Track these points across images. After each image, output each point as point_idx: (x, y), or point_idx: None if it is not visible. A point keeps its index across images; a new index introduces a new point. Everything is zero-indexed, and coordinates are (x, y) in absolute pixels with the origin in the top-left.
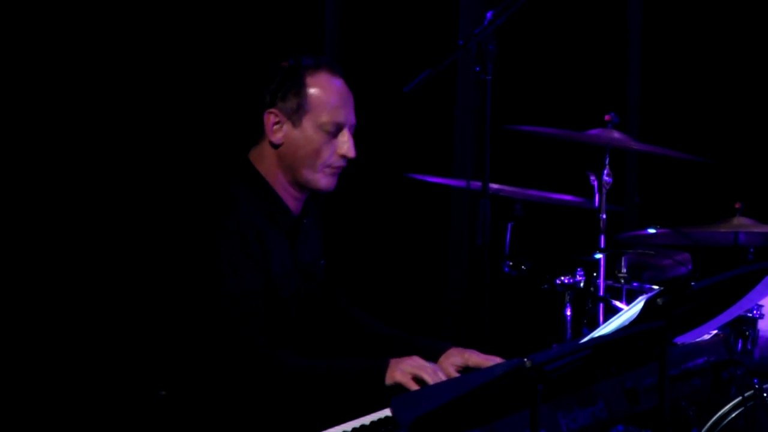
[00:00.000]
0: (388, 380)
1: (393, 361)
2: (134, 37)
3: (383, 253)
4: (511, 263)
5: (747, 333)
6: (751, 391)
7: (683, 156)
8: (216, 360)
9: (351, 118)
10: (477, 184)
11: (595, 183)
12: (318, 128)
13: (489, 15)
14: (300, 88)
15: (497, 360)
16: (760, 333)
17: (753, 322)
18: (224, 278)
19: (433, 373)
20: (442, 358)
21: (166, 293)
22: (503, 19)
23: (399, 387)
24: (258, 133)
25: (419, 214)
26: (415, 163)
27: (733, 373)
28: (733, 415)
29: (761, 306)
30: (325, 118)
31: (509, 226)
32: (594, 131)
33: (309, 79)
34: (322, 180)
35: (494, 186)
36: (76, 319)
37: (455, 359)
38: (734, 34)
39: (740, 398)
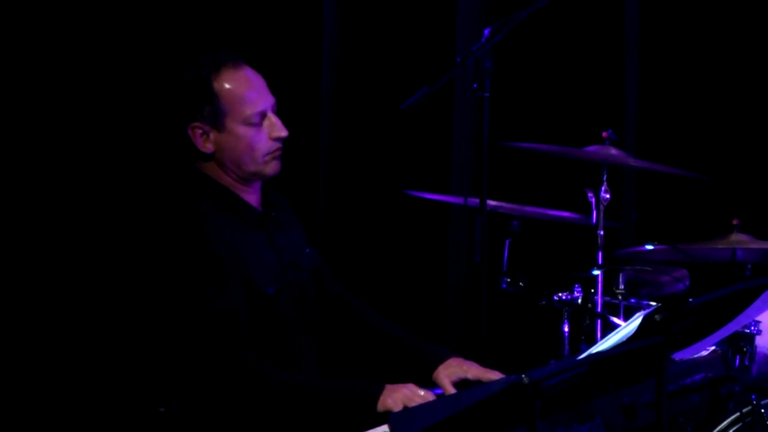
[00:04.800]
0: (380, 407)
1: (388, 388)
2: (123, 45)
3: (381, 270)
4: (508, 280)
5: (745, 349)
6: (749, 407)
7: (681, 173)
8: (204, 377)
9: (270, 100)
10: (475, 200)
11: (593, 199)
12: (243, 124)
13: (486, 32)
14: (210, 94)
15: (496, 374)
16: (758, 349)
17: (751, 338)
18: (203, 298)
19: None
20: (441, 368)
21: (154, 312)
22: (500, 36)
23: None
24: (191, 145)
25: (417, 231)
26: (413, 180)
27: (731, 389)
28: (731, 431)
29: (759, 322)
30: (246, 112)
31: (507, 242)
32: (591, 148)
33: (215, 82)
34: (267, 168)
35: (492, 203)
36: (71, 337)
37: (454, 370)
38: (732, 51)
39: (738, 414)
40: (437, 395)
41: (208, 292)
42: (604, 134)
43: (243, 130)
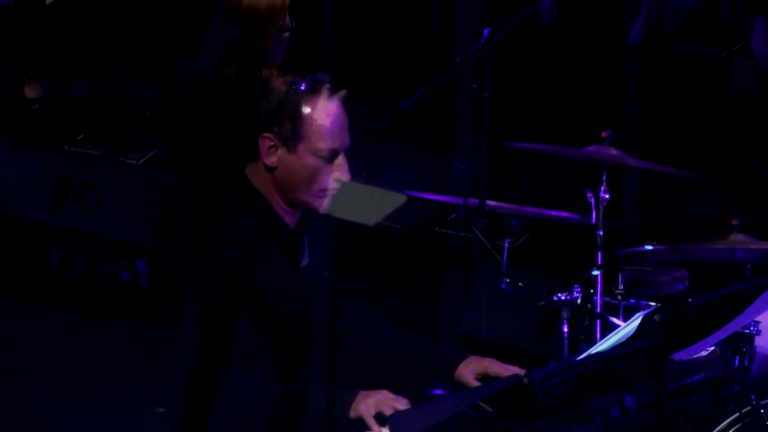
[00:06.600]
0: (353, 413)
1: (361, 394)
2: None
3: (381, 269)
4: (508, 280)
5: (744, 349)
6: (749, 408)
7: (680, 173)
8: (183, 378)
9: (346, 142)
10: (474, 201)
11: (592, 200)
12: (313, 155)
13: (486, 32)
14: (296, 115)
15: (516, 369)
16: (757, 349)
17: (750, 338)
18: (199, 300)
19: (392, 408)
20: (462, 366)
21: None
22: (500, 37)
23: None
24: (253, 151)
25: (416, 231)
26: (413, 179)
27: (731, 390)
28: (731, 431)
29: (758, 322)
30: (321, 145)
31: (506, 243)
32: (591, 148)
33: (305, 106)
34: (316, 202)
35: (492, 203)
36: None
37: (476, 366)
38: (731, 50)
39: (737, 414)
40: (433, 395)
41: (205, 296)
42: (604, 134)
43: (311, 160)
